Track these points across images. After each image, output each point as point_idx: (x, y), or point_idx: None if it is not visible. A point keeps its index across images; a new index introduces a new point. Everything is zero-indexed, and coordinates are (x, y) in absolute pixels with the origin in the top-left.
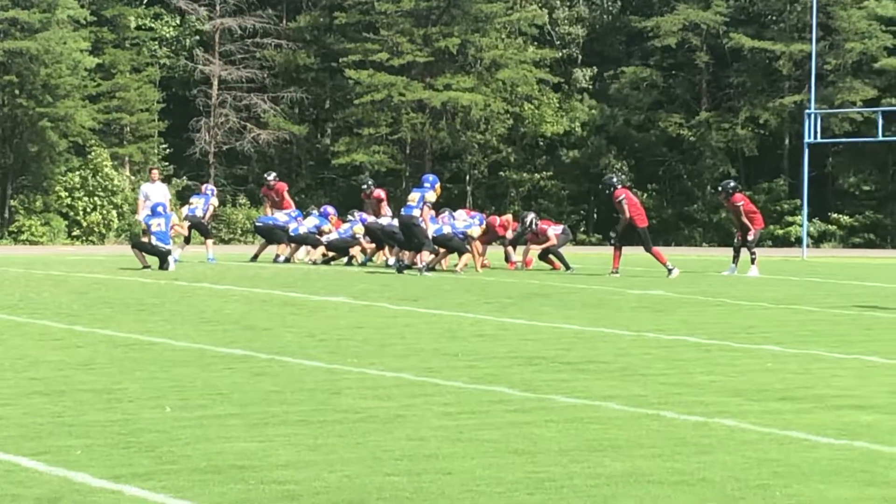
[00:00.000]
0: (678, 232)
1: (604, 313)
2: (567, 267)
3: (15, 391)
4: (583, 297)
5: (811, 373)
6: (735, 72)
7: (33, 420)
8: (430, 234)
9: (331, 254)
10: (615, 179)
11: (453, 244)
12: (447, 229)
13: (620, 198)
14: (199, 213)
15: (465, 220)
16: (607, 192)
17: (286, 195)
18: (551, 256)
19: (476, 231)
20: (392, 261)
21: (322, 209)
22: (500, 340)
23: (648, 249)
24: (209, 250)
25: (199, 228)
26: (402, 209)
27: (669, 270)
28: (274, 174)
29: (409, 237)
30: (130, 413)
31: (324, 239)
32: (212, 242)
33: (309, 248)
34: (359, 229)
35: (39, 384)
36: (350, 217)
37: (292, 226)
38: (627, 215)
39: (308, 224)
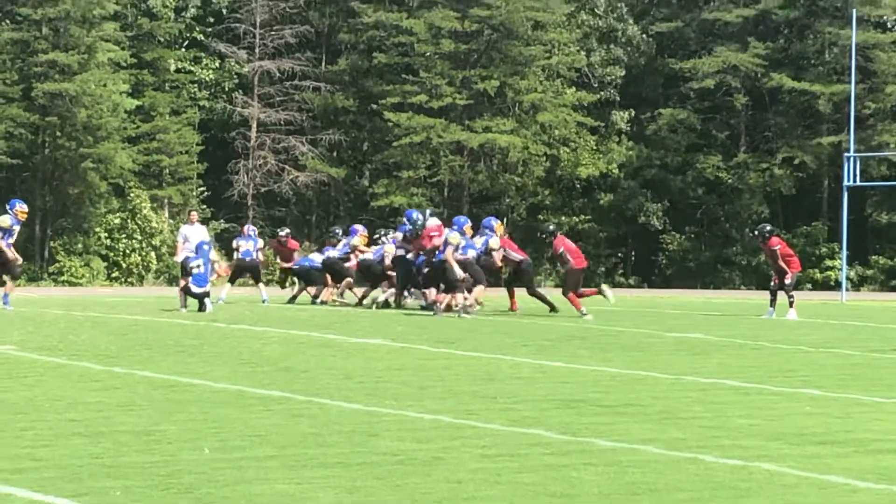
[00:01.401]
0: (716, 275)
1: (642, 356)
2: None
3: (54, 432)
4: (621, 339)
5: (851, 417)
6: (773, 113)
7: (73, 461)
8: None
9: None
10: (552, 227)
11: (474, 273)
12: (471, 253)
13: (560, 250)
14: (254, 255)
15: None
16: (547, 240)
17: (296, 254)
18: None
19: (496, 241)
20: (382, 297)
21: (350, 228)
22: (538, 383)
23: (566, 293)
24: (263, 292)
25: (255, 273)
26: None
27: (583, 315)
28: (287, 231)
29: (439, 279)
30: (169, 454)
31: (355, 260)
32: (263, 284)
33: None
34: (390, 249)
35: (79, 425)
36: (382, 239)
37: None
38: (572, 265)
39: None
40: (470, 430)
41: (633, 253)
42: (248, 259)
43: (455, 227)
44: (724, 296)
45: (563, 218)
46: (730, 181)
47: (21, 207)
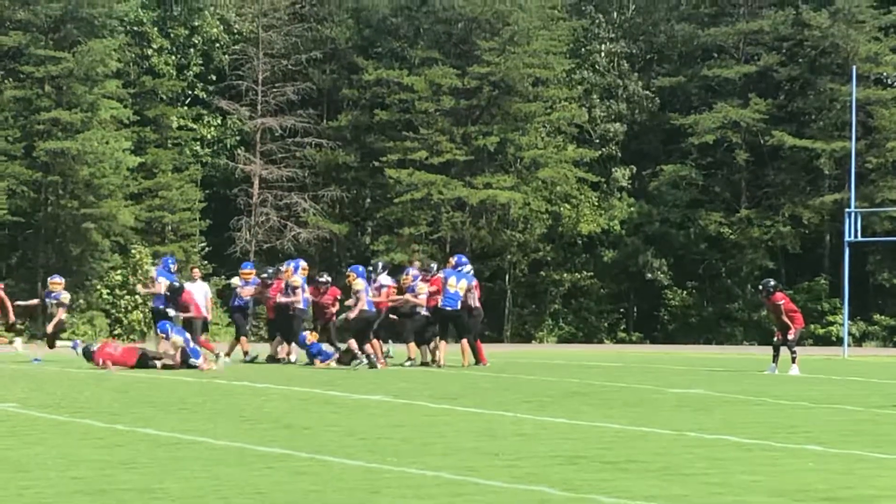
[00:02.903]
0: (718, 330)
1: (644, 412)
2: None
3: (57, 490)
4: (623, 395)
5: (854, 473)
6: (775, 170)
7: None
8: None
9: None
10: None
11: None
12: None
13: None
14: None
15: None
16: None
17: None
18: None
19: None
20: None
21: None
22: (541, 439)
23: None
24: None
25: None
26: (443, 299)
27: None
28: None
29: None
30: None
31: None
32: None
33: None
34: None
35: (81, 483)
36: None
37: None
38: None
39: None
40: (472, 487)
41: (635, 308)
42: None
43: (469, 270)
44: (726, 351)
45: (565, 274)
46: (732, 237)
47: None
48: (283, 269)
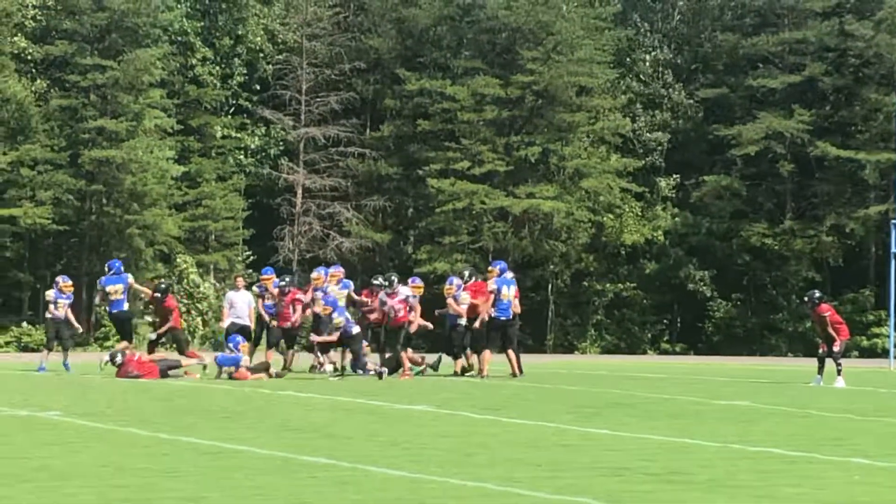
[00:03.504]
0: (763, 342)
1: (688, 424)
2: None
3: (100, 499)
4: (667, 407)
5: None
6: (819, 181)
7: None
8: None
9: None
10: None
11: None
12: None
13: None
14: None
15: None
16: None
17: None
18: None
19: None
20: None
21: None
22: (584, 451)
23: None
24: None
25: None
26: (496, 309)
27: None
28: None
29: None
30: None
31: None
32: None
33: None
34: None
35: (124, 492)
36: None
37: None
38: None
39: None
40: (515, 498)
41: (678, 320)
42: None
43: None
44: (770, 363)
45: (607, 285)
46: (776, 248)
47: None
48: (313, 276)
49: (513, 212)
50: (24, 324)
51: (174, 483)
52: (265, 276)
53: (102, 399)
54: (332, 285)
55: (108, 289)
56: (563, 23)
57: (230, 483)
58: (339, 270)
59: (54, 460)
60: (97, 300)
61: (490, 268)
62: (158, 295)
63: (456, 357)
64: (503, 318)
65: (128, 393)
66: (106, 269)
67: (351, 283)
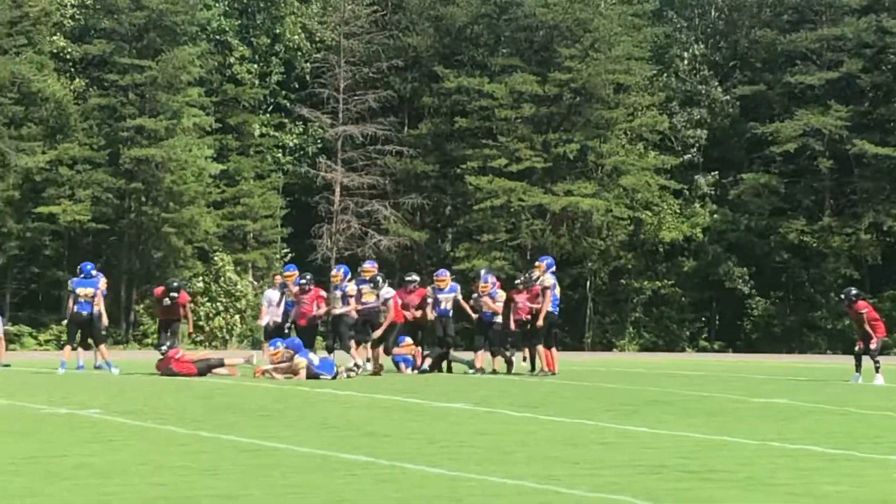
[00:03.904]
0: (802, 339)
1: (726, 421)
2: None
3: (140, 497)
4: (705, 404)
5: None
6: (858, 178)
7: None
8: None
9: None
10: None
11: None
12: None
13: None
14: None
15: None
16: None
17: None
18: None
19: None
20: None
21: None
22: (622, 448)
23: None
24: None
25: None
26: (553, 304)
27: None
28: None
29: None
30: None
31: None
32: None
33: None
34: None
35: (164, 490)
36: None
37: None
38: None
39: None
40: (553, 496)
41: (717, 317)
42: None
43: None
44: (809, 360)
45: (645, 282)
46: (814, 245)
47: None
48: (332, 274)
49: (551, 209)
50: (64, 322)
51: (213, 481)
52: (287, 274)
53: (142, 397)
54: (350, 283)
55: (77, 291)
56: (600, 20)
57: (269, 481)
58: (372, 266)
59: (94, 458)
60: (70, 302)
61: (537, 263)
62: (174, 294)
63: (493, 355)
64: (556, 313)
65: (167, 391)
66: (77, 271)
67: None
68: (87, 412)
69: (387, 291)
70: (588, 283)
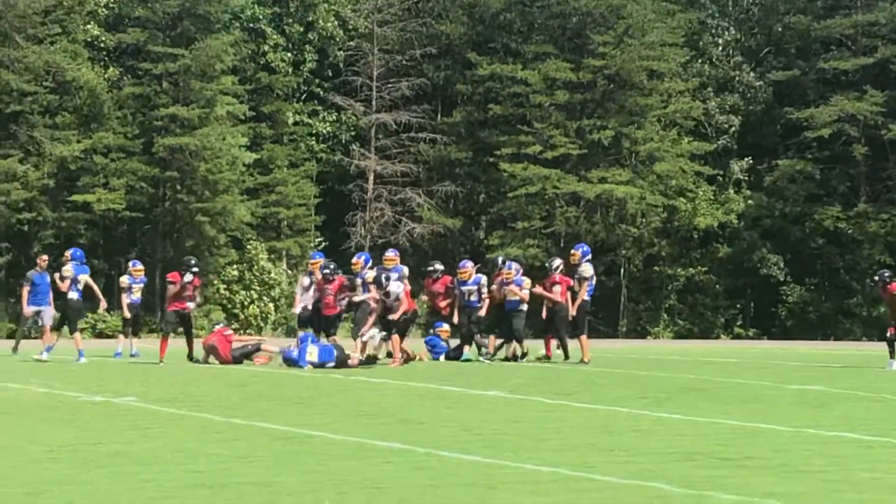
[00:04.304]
0: (837, 326)
1: (762, 408)
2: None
3: (176, 484)
4: (740, 391)
5: None
6: (894, 163)
7: None
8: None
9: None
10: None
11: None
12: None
13: None
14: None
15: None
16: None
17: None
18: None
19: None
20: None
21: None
22: (657, 436)
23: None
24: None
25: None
26: (589, 293)
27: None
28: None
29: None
30: None
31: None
32: None
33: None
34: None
35: (200, 477)
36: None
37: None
38: None
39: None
40: (589, 483)
41: (752, 304)
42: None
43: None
44: (844, 347)
45: (679, 269)
46: (849, 232)
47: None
48: (353, 260)
49: (585, 196)
50: (100, 310)
51: (248, 468)
52: (314, 261)
53: (177, 385)
54: (370, 271)
55: (79, 277)
56: (633, 6)
57: (304, 468)
58: (394, 254)
59: (130, 446)
60: (67, 286)
61: (573, 251)
62: (194, 275)
63: (519, 342)
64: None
65: (202, 379)
66: (69, 256)
67: (403, 267)
68: (122, 400)
69: (395, 286)
70: (622, 271)
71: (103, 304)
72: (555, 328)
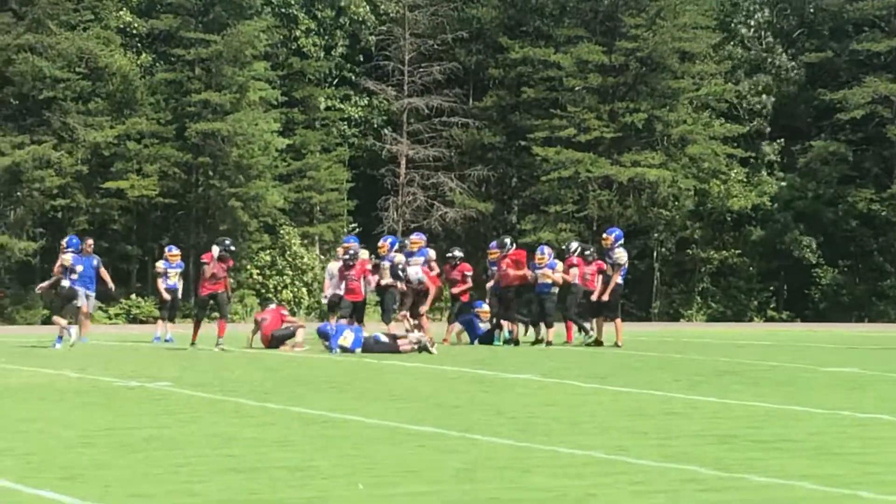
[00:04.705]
0: (871, 307)
1: (796, 391)
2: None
3: (211, 468)
4: (774, 374)
5: None
6: None
7: (230, 496)
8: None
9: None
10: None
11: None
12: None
13: None
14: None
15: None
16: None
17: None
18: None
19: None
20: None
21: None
22: (691, 418)
23: None
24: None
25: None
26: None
27: None
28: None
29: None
30: (324, 490)
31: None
32: None
33: None
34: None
35: (235, 461)
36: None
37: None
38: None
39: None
40: (622, 466)
41: (785, 287)
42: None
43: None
44: (879, 329)
45: (712, 252)
46: (883, 214)
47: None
48: (379, 244)
49: (618, 179)
50: (133, 295)
51: (283, 452)
52: (346, 245)
53: (211, 370)
54: (398, 255)
55: (76, 267)
56: None
57: (338, 452)
58: (419, 238)
59: (165, 430)
60: (61, 272)
61: (605, 235)
62: (229, 253)
63: (548, 326)
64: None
65: (236, 364)
66: (64, 244)
67: (429, 251)
68: (157, 385)
69: (414, 271)
70: (655, 254)
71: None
72: (565, 308)
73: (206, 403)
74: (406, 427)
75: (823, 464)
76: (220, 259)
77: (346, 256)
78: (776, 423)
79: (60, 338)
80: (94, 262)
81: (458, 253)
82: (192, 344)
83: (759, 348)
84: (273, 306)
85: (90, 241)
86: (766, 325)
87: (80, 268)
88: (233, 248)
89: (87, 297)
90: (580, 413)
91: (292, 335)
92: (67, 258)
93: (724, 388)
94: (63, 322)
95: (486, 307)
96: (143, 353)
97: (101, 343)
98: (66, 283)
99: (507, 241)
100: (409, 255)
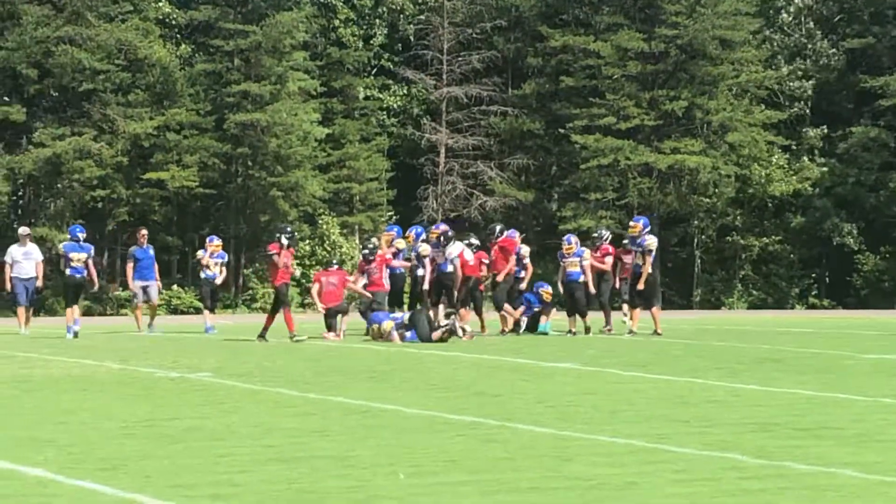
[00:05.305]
0: None
1: (838, 378)
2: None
3: (252, 458)
4: (816, 361)
5: None
6: None
7: (270, 487)
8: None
9: None
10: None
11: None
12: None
13: None
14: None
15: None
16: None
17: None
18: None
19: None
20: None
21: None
22: (732, 406)
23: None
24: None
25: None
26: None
27: None
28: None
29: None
30: (365, 480)
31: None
32: None
33: None
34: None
35: (275, 451)
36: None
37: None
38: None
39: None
40: (663, 455)
41: (826, 274)
42: None
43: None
44: None
45: (753, 239)
46: None
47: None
48: (405, 234)
49: (658, 167)
50: (174, 286)
51: (324, 442)
52: (388, 234)
53: (252, 360)
54: (424, 245)
55: (71, 255)
56: None
57: (378, 441)
58: (439, 228)
59: (206, 421)
60: (61, 265)
61: (633, 223)
62: (289, 240)
63: (582, 315)
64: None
65: (276, 353)
66: (68, 235)
67: (459, 244)
68: (197, 375)
69: (448, 253)
70: (695, 241)
71: (96, 286)
72: (600, 294)
73: (247, 394)
74: (446, 416)
75: (865, 451)
76: (289, 247)
77: (366, 251)
78: (818, 411)
79: (70, 327)
80: (151, 252)
81: (475, 241)
82: (292, 337)
83: (801, 335)
84: (335, 266)
85: (144, 232)
86: (808, 312)
87: (80, 256)
88: (291, 235)
89: (148, 287)
90: (620, 401)
91: (345, 312)
92: (71, 253)
93: (766, 376)
94: (70, 314)
95: (548, 287)
96: (184, 343)
97: (142, 334)
98: (67, 272)
99: (498, 228)
100: (436, 245)
